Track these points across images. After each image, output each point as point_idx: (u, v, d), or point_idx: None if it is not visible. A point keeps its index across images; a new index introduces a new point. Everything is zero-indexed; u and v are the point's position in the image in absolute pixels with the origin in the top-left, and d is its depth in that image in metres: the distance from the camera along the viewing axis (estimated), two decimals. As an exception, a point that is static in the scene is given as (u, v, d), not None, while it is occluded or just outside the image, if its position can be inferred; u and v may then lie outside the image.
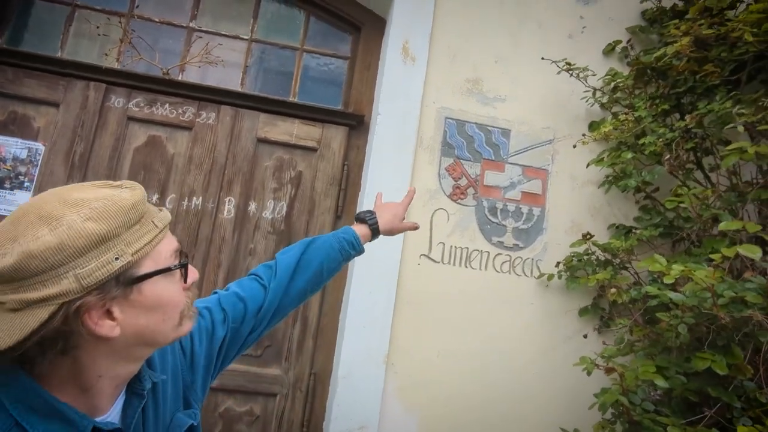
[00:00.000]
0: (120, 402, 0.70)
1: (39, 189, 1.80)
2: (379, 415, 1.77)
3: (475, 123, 1.96)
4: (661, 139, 1.64)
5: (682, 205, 1.54)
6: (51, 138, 1.84)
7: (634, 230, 1.78)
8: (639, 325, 1.59)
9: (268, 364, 1.87)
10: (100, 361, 0.63)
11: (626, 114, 1.71)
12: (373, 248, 1.85)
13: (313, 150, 1.99)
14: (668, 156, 1.58)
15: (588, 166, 1.90)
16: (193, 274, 0.71)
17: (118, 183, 0.65)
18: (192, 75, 2.01)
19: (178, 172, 1.90)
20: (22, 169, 1.81)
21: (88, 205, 0.59)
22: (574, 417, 1.82)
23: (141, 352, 0.68)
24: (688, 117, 1.57)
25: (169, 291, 0.66)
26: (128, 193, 0.63)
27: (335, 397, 1.79)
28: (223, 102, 1.94)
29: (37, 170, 1.81)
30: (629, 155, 1.68)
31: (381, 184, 1.89)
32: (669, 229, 1.76)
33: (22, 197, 1.79)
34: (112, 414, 0.69)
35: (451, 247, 1.90)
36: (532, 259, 1.93)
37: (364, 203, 1.89)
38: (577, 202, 1.98)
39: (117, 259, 0.60)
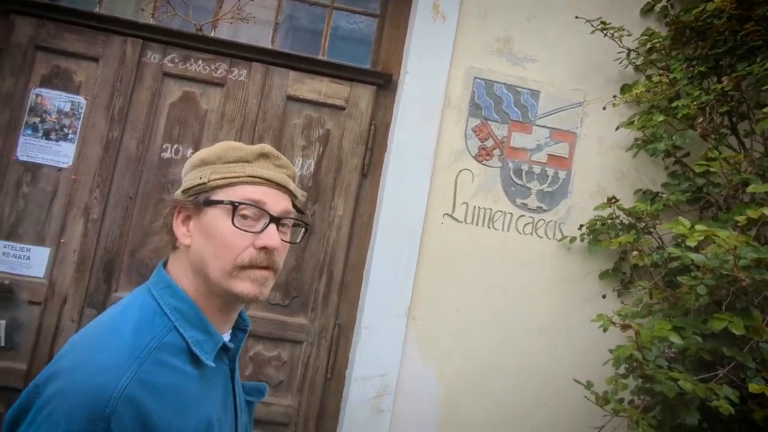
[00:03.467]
0: (227, 335, 0.83)
1: (83, 141, 1.90)
2: (399, 364, 1.87)
3: (504, 83, 1.95)
4: (695, 102, 1.61)
5: (711, 169, 1.52)
6: (92, 92, 1.91)
7: (660, 195, 1.77)
8: (659, 287, 1.61)
9: (295, 314, 1.97)
10: (188, 271, 0.77)
11: (660, 76, 1.67)
12: (397, 206, 1.91)
13: (341, 108, 2.02)
14: (701, 120, 1.55)
15: (617, 129, 1.88)
16: (268, 239, 0.74)
17: (260, 144, 0.81)
18: (224, 32, 2.04)
19: (210, 127, 1.96)
20: (66, 121, 1.90)
21: (223, 144, 0.80)
22: (590, 376, 1.87)
23: (203, 278, 0.75)
24: (725, 79, 1.53)
25: (221, 225, 0.74)
26: (247, 144, 0.80)
27: (358, 347, 1.89)
28: (254, 59, 1.98)
29: (80, 123, 1.90)
30: (660, 118, 1.66)
31: (407, 144, 1.92)
32: (697, 194, 1.75)
33: (66, 148, 1.89)
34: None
35: (475, 207, 1.93)
36: (555, 222, 1.95)
37: (390, 163, 1.93)
38: (603, 166, 1.96)
39: (200, 178, 0.76)
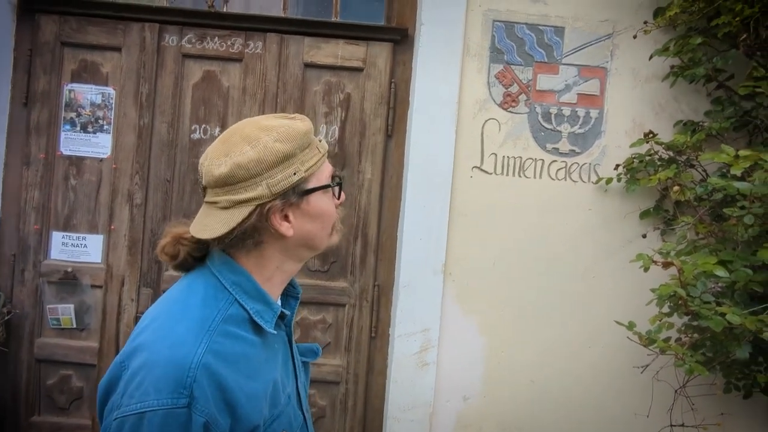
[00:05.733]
0: (279, 301, 0.87)
1: (117, 131, 1.97)
2: (440, 319, 1.90)
3: (525, 23, 1.85)
4: (737, 18, 1.48)
5: (758, 90, 1.41)
6: (119, 82, 1.98)
7: (701, 124, 1.66)
8: (704, 222, 1.54)
9: (335, 278, 2.03)
10: (278, 254, 0.81)
11: (697, -7, 1.54)
12: (424, 163, 1.89)
13: (359, 70, 1.99)
14: (745, 36, 1.43)
15: (651, 58, 1.76)
16: (342, 195, 0.85)
17: (292, 116, 0.81)
18: (235, 5, 2.03)
19: (234, 104, 1.99)
20: (100, 113, 1.98)
21: (275, 131, 0.75)
22: (635, 317, 1.85)
23: (304, 253, 0.84)
24: (771, -13, 1.39)
25: (327, 204, 0.81)
26: (300, 123, 0.78)
27: (398, 305, 1.93)
28: (268, 29, 1.97)
29: (113, 113, 1.98)
30: (699, 40, 1.53)
31: (429, 99, 1.88)
32: (744, 119, 1.63)
33: (104, 139, 1.98)
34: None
35: (504, 157, 1.89)
36: (590, 164, 1.88)
37: (414, 121, 1.90)
38: (638, 101, 1.86)
39: (295, 173, 0.76)
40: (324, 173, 0.81)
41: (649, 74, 1.85)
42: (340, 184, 0.84)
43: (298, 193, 0.77)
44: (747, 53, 1.49)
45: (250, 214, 0.74)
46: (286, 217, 0.77)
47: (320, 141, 0.82)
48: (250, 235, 0.77)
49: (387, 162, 2.02)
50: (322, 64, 1.99)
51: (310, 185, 0.78)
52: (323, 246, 0.84)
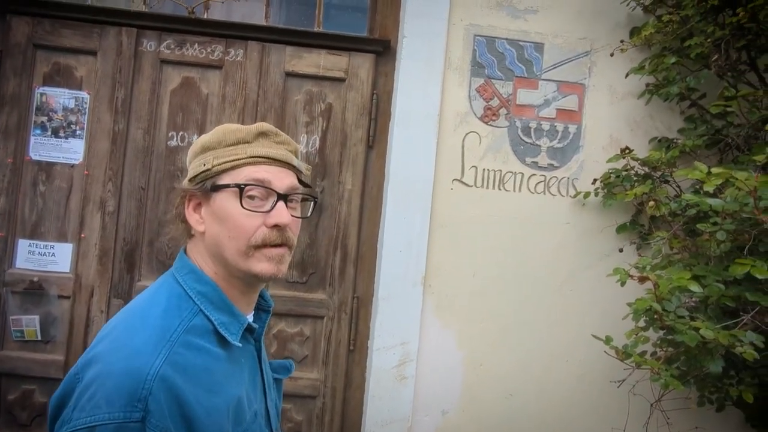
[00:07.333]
0: (251, 317, 0.84)
1: (90, 136, 1.92)
2: (419, 332, 1.89)
3: (506, 39, 1.88)
4: (709, 39, 1.52)
5: (729, 109, 1.45)
6: (94, 86, 1.93)
7: (675, 141, 1.70)
8: (678, 237, 1.56)
9: (314, 290, 2.00)
10: (206, 256, 0.78)
11: (671, 14, 1.58)
12: (405, 175, 1.89)
13: (341, 80, 1.98)
14: (716, 57, 1.47)
15: (627, 76, 1.80)
16: (278, 216, 0.74)
17: (258, 123, 0.81)
18: (216, 12, 2.01)
19: (213, 111, 1.96)
20: (73, 118, 1.92)
21: (216, 128, 0.80)
22: (612, 330, 1.86)
23: (227, 265, 0.76)
24: (740, 11, 1.43)
25: (231, 208, 0.75)
26: (244, 126, 0.79)
27: (377, 318, 1.91)
28: (249, 37, 1.95)
29: (86, 118, 1.92)
30: (672, 60, 1.58)
31: (411, 111, 1.88)
32: (715, 137, 1.67)
33: (76, 145, 1.92)
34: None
35: (484, 170, 1.90)
36: (568, 179, 1.91)
37: (395, 132, 1.90)
38: (615, 117, 1.89)
39: (204, 164, 0.76)
40: (241, 176, 0.74)
41: (625, 91, 1.89)
42: (241, 189, 0.74)
43: (209, 187, 0.76)
44: (718, 73, 1.53)
45: (181, 199, 0.79)
46: (198, 209, 0.78)
47: (269, 146, 0.77)
48: (184, 222, 0.80)
49: (368, 173, 2.01)
50: (304, 74, 1.97)
51: (221, 182, 0.75)
52: (239, 265, 0.75)
